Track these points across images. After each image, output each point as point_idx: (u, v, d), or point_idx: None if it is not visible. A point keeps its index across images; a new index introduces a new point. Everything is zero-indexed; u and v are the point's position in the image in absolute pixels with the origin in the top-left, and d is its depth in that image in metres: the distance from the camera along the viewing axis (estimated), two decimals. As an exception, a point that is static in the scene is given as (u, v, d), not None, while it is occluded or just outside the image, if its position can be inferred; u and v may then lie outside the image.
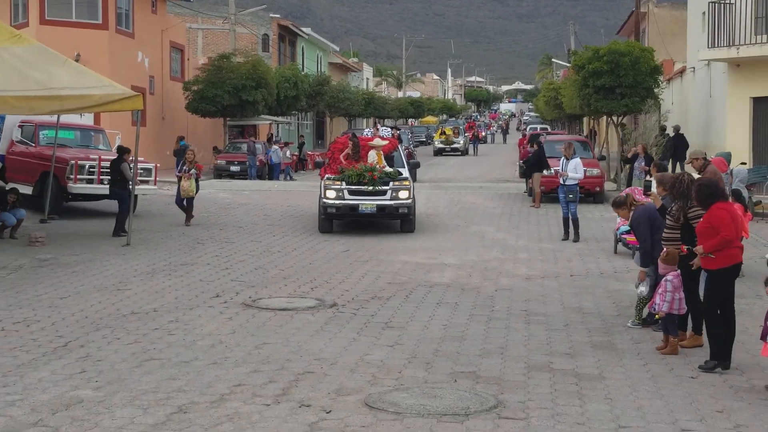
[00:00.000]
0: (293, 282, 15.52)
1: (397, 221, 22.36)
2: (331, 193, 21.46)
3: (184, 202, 22.77)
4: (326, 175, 22.12)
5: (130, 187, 20.29)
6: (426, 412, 8.32)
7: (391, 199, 21.54)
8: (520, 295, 14.58)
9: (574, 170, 21.21)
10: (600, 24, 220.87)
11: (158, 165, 25.43)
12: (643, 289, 11.98)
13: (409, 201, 21.69)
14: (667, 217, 11.26)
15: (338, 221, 22.34)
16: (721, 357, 10.01)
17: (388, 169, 22.02)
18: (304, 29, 69.63)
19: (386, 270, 16.91)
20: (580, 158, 29.18)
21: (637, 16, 43.56)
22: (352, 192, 21.44)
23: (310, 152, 53.18)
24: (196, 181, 22.82)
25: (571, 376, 9.70)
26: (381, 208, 21.50)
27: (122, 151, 21.47)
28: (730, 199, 15.43)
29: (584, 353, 10.77)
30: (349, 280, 15.83)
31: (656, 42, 43.45)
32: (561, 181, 21.40)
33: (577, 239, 20.82)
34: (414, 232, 21.95)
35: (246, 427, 7.88)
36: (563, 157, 21.74)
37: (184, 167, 22.82)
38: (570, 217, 21.04)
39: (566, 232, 21.09)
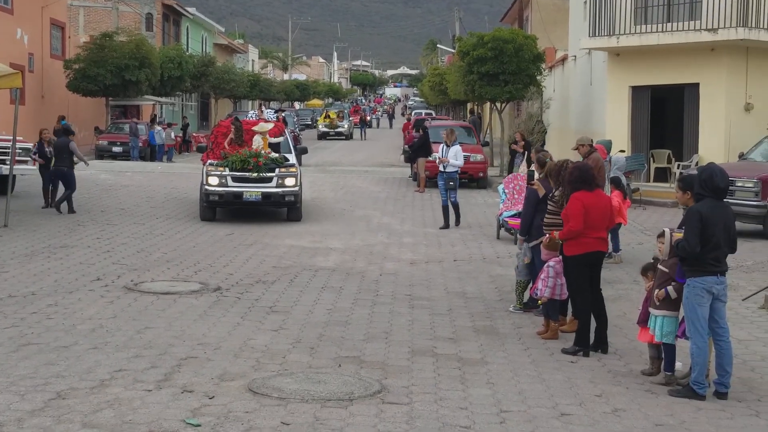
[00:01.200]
0: (176, 265, 15.33)
1: (284, 209, 21.62)
2: (213, 180, 20.49)
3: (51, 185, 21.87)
4: (208, 161, 21.23)
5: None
6: (310, 398, 8.31)
7: (277, 187, 20.66)
8: (405, 280, 14.68)
9: (455, 157, 20.99)
10: (484, 11, 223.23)
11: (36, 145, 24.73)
12: (521, 253, 12.36)
13: (296, 188, 20.86)
14: (549, 203, 11.47)
15: (221, 209, 21.58)
16: (583, 343, 10.26)
17: (273, 154, 21.24)
18: (188, 9, 68.51)
19: (271, 254, 16.82)
20: (465, 144, 29.70)
21: (520, 4, 44.26)
22: (235, 179, 20.51)
23: (194, 134, 52.51)
24: None
25: (454, 361, 9.82)
26: (266, 196, 20.64)
27: (69, 131, 21.68)
28: (609, 187, 15.86)
29: (467, 338, 10.91)
30: (233, 263, 15.70)
31: (539, 30, 44.12)
32: (441, 168, 21.15)
33: (458, 223, 20.86)
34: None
35: (127, 413, 7.75)
36: (443, 144, 21.46)
37: (48, 149, 21.65)
38: (450, 203, 20.88)
39: (446, 221, 20.83)
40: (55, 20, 45.61)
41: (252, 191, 20.59)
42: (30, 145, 23.70)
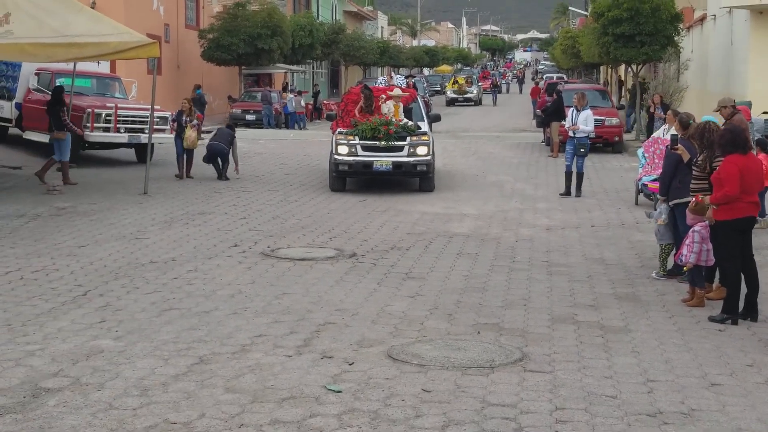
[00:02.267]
0: (311, 232, 15.40)
1: (416, 179, 20.84)
2: (343, 149, 19.89)
3: (184, 155, 22.01)
4: (338, 129, 20.58)
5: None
6: (450, 365, 8.20)
7: (408, 156, 19.92)
8: (541, 246, 14.42)
9: (585, 123, 20.16)
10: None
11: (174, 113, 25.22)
12: (656, 213, 12.04)
13: (429, 158, 20.02)
14: (693, 168, 11.06)
15: (351, 179, 20.99)
16: (732, 311, 9.85)
17: (406, 122, 20.55)
18: (318, -24, 68.98)
19: (404, 220, 16.76)
20: (600, 108, 29.09)
21: (657, -37, 42.85)
22: (365, 148, 19.83)
23: (325, 101, 52.87)
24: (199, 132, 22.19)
25: (596, 329, 9.56)
26: (397, 166, 19.92)
27: (231, 128, 23.12)
28: (756, 150, 15.21)
29: (608, 305, 10.62)
30: (367, 230, 15.69)
31: (676, -11, 42.72)
32: (570, 134, 20.28)
33: (579, 194, 19.89)
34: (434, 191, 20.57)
35: (268, 379, 7.78)
36: (573, 108, 20.62)
37: (185, 118, 21.78)
38: (575, 171, 20.01)
39: (567, 188, 20.07)
40: (190, -9, 46.41)
41: (382, 160, 19.93)
42: (168, 114, 24.18)
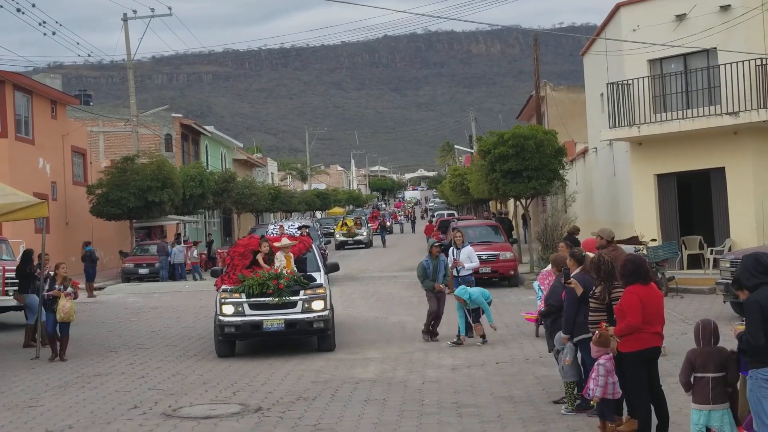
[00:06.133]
0: (214, 387, 14.99)
1: (314, 338, 18.75)
2: (228, 309, 17.78)
3: (57, 329, 18.48)
4: (222, 287, 18.53)
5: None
6: None
7: (303, 312, 17.78)
8: (449, 387, 14.26)
9: (468, 259, 20.07)
10: (497, 109, 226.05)
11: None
12: (567, 356, 11.83)
13: (326, 313, 17.91)
14: (591, 300, 11.14)
15: (241, 341, 18.92)
16: None
17: (299, 274, 18.51)
18: (206, 127, 69.45)
19: (308, 368, 16.47)
20: (494, 243, 29.59)
21: (537, 100, 44.47)
22: (254, 306, 17.77)
23: (219, 250, 52.51)
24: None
25: (512, 471, 9.39)
26: (290, 324, 17.74)
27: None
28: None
29: (522, 445, 10.48)
30: (271, 381, 15.35)
31: (556, 124, 44.25)
32: (455, 273, 19.68)
33: (483, 339, 18.59)
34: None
35: None
36: (453, 247, 20.32)
37: (57, 286, 18.68)
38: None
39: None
40: (76, 147, 46.24)
41: (273, 319, 17.78)
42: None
